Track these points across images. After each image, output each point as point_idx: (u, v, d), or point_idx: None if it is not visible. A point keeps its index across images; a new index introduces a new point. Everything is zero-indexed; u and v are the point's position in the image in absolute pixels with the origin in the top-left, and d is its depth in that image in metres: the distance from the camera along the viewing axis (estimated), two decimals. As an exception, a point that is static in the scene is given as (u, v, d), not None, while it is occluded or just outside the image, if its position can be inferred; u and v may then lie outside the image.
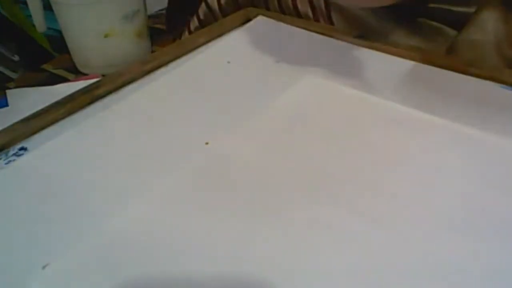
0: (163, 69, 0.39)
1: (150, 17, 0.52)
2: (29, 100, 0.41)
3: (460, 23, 0.38)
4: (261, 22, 0.44)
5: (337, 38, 0.41)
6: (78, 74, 0.47)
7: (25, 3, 0.47)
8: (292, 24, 0.43)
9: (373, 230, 0.24)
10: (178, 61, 0.40)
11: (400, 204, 0.25)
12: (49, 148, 0.31)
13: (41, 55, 0.52)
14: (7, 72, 0.49)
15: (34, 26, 0.48)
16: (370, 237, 0.23)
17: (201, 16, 0.52)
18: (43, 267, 0.23)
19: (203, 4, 0.52)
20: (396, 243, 0.23)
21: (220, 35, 0.43)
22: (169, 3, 0.56)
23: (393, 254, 0.22)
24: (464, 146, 0.28)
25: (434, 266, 0.22)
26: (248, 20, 0.45)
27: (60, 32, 0.47)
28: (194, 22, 0.53)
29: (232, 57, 0.40)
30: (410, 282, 0.21)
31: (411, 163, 0.28)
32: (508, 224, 0.23)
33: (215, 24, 0.46)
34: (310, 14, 0.46)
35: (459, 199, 0.25)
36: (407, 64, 0.37)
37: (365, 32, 0.41)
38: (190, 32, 0.53)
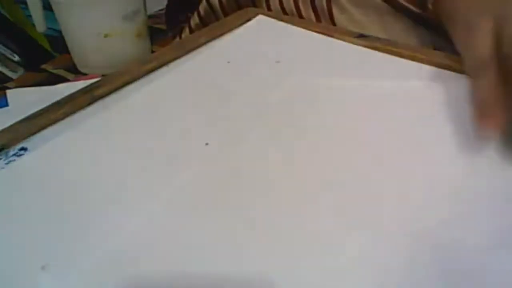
0: (163, 69, 0.39)
1: (150, 17, 0.52)
2: (29, 100, 0.41)
3: None
4: (261, 22, 0.44)
5: (337, 38, 0.41)
6: (78, 74, 0.47)
7: (25, 3, 0.47)
8: (292, 24, 0.43)
9: (361, 229, 0.24)
10: (178, 61, 0.40)
11: (387, 202, 0.25)
12: (49, 149, 0.31)
13: (41, 55, 0.52)
14: (7, 72, 0.49)
15: (34, 26, 0.48)
16: (359, 236, 0.23)
17: (202, 13, 0.52)
18: (43, 267, 0.23)
19: (203, 1, 0.52)
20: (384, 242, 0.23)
21: (220, 35, 0.43)
22: (169, 0, 0.56)
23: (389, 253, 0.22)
24: (463, 145, 0.28)
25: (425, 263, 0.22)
26: (249, 20, 0.45)
27: (60, 32, 0.47)
28: (195, 19, 0.53)
29: (232, 57, 0.40)
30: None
31: (406, 159, 0.28)
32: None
33: (215, 24, 0.46)
34: (312, 15, 0.46)
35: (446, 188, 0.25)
36: (408, 64, 0.37)
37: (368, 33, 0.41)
38: (190, 29, 0.53)
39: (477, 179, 0.26)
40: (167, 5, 0.56)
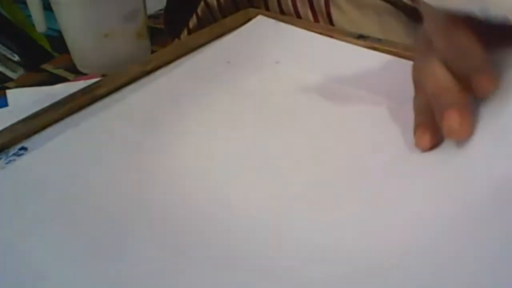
0: (163, 70, 0.39)
1: (150, 17, 0.52)
2: (29, 100, 0.41)
3: None
4: (261, 22, 0.44)
5: (337, 38, 0.41)
6: (78, 74, 0.47)
7: (25, 3, 0.47)
8: (292, 24, 0.44)
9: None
10: (179, 61, 0.40)
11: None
12: (50, 148, 0.31)
13: (41, 55, 0.52)
14: (7, 72, 0.49)
15: (34, 26, 0.48)
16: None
17: (200, 15, 0.52)
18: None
19: (202, 3, 0.52)
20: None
21: (220, 35, 0.43)
22: (167, 2, 0.56)
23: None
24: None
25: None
26: (249, 20, 0.45)
27: (60, 32, 0.47)
28: (193, 21, 0.53)
29: (232, 57, 0.40)
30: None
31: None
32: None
33: (215, 25, 0.46)
34: (310, 15, 0.46)
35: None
36: (407, 64, 0.37)
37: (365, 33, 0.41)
38: (189, 31, 0.53)
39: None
40: (165, 9, 0.56)
